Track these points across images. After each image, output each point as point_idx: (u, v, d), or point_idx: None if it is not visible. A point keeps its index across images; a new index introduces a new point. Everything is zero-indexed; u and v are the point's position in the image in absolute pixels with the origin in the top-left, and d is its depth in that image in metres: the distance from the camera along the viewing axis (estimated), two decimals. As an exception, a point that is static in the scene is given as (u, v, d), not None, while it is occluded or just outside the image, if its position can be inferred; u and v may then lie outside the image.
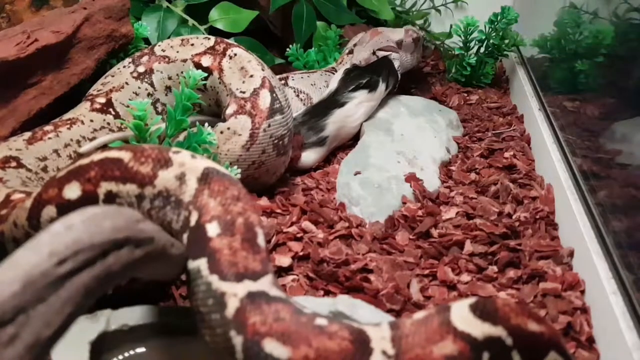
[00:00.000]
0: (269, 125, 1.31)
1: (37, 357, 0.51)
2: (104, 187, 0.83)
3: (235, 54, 1.39)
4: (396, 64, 1.74)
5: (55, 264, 0.54)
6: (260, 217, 0.84)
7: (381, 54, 1.72)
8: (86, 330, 0.84)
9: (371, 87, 1.65)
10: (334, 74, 1.76)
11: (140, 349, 0.89)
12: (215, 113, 1.46)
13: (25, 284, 0.51)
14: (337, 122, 1.58)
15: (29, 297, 0.51)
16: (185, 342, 0.88)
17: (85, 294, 0.55)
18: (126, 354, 0.88)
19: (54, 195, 0.85)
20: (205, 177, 0.83)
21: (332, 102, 1.61)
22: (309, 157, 1.53)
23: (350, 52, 1.85)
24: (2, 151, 1.21)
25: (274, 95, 1.33)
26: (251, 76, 1.35)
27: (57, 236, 0.55)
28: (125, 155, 0.85)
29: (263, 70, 1.37)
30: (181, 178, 0.83)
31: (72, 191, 0.84)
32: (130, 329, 0.88)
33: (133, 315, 0.89)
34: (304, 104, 1.69)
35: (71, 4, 1.57)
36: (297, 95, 1.70)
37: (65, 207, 0.83)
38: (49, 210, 0.86)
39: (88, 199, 0.83)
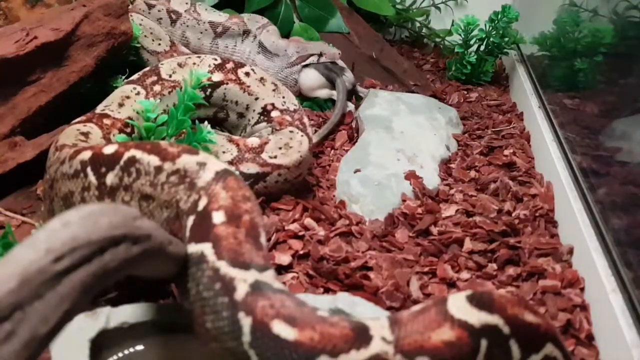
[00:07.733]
0: None
1: (34, 354, 0.51)
2: (132, 152, 0.93)
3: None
4: None
5: (51, 261, 0.54)
6: (264, 222, 0.86)
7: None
8: (86, 327, 0.84)
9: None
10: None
11: (140, 347, 0.89)
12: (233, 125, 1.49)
13: (21, 281, 0.51)
14: None
15: (26, 294, 0.51)
16: (184, 339, 0.88)
17: (82, 291, 0.55)
18: (126, 352, 0.88)
19: (96, 147, 0.99)
20: (223, 173, 0.87)
21: None
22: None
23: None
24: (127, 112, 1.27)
25: None
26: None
27: (54, 233, 0.55)
28: (163, 143, 0.95)
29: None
30: (201, 165, 0.88)
31: (109, 149, 0.97)
32: (130, 326, 0.88)
33: (133, 312, 0.89)
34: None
35: (66, 1, 1.56)
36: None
37: (97, 157, 0.97)
38: (85, 155, 0.99)
39: (115, 157, 0.95)
